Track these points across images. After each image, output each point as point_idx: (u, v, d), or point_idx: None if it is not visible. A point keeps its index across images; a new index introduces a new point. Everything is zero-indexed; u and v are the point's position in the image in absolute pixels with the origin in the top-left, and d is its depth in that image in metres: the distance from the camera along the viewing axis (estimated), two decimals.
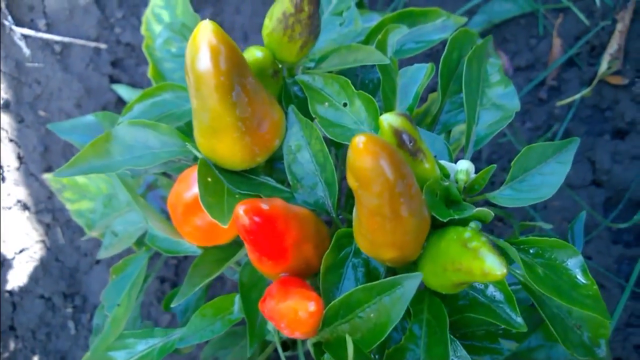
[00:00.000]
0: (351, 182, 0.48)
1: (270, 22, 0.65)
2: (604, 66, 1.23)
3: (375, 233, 0.52)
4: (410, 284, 0.52)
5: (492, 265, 0.48)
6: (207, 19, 0.54)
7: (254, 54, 0.66)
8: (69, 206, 0.99)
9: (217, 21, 1.41)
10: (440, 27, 0.80)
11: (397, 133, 0.54)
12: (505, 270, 0.47)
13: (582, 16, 1.28)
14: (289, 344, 0.81)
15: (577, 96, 1.24)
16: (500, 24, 1.36)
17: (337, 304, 0.55)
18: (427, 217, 0.55)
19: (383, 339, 0.53)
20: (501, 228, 1.22)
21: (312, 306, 0.53)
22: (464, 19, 0.82)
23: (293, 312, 0.54)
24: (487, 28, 1.35)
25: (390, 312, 0.53)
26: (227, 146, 0.62)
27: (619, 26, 1.25)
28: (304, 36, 0.65)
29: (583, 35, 1.28)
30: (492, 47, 0.80)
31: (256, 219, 0.57)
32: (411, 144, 0.55)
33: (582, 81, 1.26)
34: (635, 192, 1.10)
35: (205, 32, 0.54)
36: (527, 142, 1.25)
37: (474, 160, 1.25)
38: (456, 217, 0.55)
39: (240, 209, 0.56)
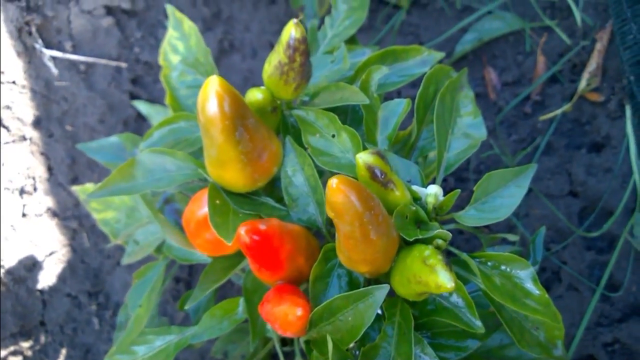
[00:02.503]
0: (329, 213, 0.60)
1: (269, 67, 0.77)
2: (583, 83, 1.33)
3: (351, 252, 0.64)
4: (379, 294, 0.64)
5: (443, 280, 0.59)
6: (215, 75, 0.66)
7: (255, 95, 0.77)
8: (95, 215, 1.11)
9: (228, 39, 1.53)
10: (420, 62, 0.91)
11: (370, 168, 0.66)
12: (453, 284, 0.59)
13: (564, 36, 1.38)
14: (287, 341, 0.93)
15: (559, 111, 1.33)
16: (490, 41, 1.45)
17: (321, 309, 0.67)
18: (395, 237, 0.66)
19: (358, 337, 0.65)
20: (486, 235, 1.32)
21: (299, 311, 0.65)
22: (442, 55, 0.92)
23: (284, 315, 0.66)
24: (478, 45, 1.44)
25: (364, 316, 0.64)
26: (232, 175, 0.74)
27: (598, 46, 1.34)
28: (297, 80, 0.76)
29: (565, 54, 1.38)
30: (465, 80, 0.90)
31: (255, 237, 0.68)
32: (382, 177, 0.66)
33: (563, 97, 1.36)
34: (607, 202, 1.20)
35: (213, 84, 0.66)
36: (512, 153, 1.35)
37: (462, 170, 1.37)
38: (420, 236, 0.66)
39: (241, 230, 0.68)
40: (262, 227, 0.69)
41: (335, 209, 0.58)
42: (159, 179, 0.81)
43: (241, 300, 0.83)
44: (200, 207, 0.79)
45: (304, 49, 0.72)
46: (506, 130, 1.38)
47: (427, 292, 0.63)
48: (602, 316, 1.15)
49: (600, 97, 1.31)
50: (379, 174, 0.66)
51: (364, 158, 0.66)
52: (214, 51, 1.49)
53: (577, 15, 1.36)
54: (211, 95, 0.66)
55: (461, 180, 1.33)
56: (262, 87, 0.79)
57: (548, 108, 1.36)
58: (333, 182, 0.56)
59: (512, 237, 0.89)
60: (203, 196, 0.80)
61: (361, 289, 0.65)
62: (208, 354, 1.26)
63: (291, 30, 0.71)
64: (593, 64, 1.33)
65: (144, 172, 0.81)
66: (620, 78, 1.29)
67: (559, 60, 1.38)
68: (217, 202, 0.75)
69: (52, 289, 1.30)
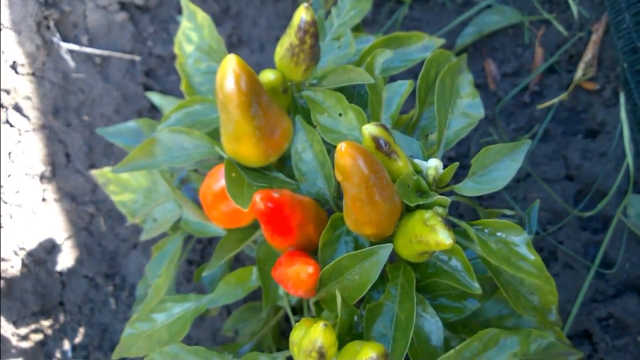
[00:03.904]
0: (338, 176, 0.65)
1: (281, 50, 0.82)
2: (579, 73, 1.38)
3: (357, 214, 0.69)
4: (383, 253, 0.69)
5: (442, 237, 0.65)
6: (233, 54, 0.72)
7: (268, 76, 0.83)
8: (113, 197, 1.16)
9: (237, 33, 1.59)
10: (422, 48, 0.97)
11: (375, 139, 0.71)
12: (451, 241, 0.64)
13: (561, 28, 1.43)
14: (297, 310, 0.98)
15: (556, 100, 1.39)
16: (489, 34, 1.50)
17: (330, 269, 0.72)
18: (398, 202, 0.71)
19: (364, 293, 0.70)
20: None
21: (310, 269, 0.71)
22: (442, 41, 0.98)
23: (296, 274, 0.72)
24: (478, 38, 1.50)
25: (370, 274, 0.70)
26: (247, 149, 0.79)
27: (594, 37, 1.40)
28: (307, 62, 0.82)
29: (562, 45, 1.43)
30: (465, 64, 0.96)
31: (269, 204, 0.74)
32: (386, 147, 0.71)
33: (560, 86, 1.41)
34: (602, 184, 1.25)
35: (230, 63, 0.72)
36: (511, 141, 1.40)
37: (461, 156, 1.42)
38: (421, 202, 0.72)
39: (257, 197, 0.74)
40: (276, 195, 0.74)
41: (344, 171, 0.64)
42: (177, 156, 0.86)
43: (254, 269, 0.88)
44: (216, 181, 0.85)
45: (314, 32, 0.78)
46: (505, 119, 1.43)
47: (428, 251, 0.69)
48: (597, 292, 1.19)
49: (595, 85, 1.36)
50: (383, 144, 0.71)
51: (369, 129, 0.71)
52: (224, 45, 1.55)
53: (574, 7, 1.42)
54: (229, 73, 0.72)
55: (462, 167, 1.39)
56: (274, 69, 0.85)
57: (546, 97, 1.41)
58: (342, 145, 0.62)
59: (508, 212, 0.95)
60: (219, 171, 0.86)
61: (367, 248, 0.70)
62: (220, 332, 1.32)
63: (302, 14, 0.76)
64: (589, 54, 1.39)
65: (163, 150, 0.87)
66: (615, 67, 1.34)
67: (556, 51, 1.44)
68: (233, 174, 0.81)
69: (71, 271, 1.36)
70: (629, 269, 1.19)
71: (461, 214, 1.37)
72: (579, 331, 1.18)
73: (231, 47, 1.58)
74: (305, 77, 0.85)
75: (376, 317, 0.72)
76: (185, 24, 1.14)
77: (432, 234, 0.65)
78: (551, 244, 1.25)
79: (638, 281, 1.19)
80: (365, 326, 0.72)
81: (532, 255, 0.79)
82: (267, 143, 0.80)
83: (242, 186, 0.80)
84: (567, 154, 1.31)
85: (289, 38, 0.80)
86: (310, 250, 0.82)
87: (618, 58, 1.30)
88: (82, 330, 1.35)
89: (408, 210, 0.76)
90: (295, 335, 0.65)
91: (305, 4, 0.76)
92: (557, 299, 0.86)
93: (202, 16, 1.12)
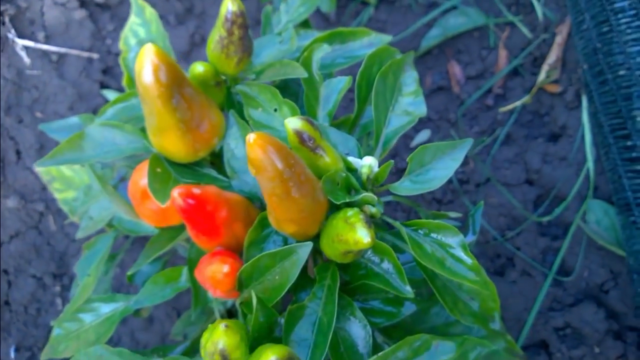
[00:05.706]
0: (250, 169, 0.62)
1: (211, 42, 0.79)
2: (542, 75, 1.36)
3: (276, 210, 0.66)
4: (303, 251, 0.66)
5: (361, 236, 0.61)
6: (150, 43, 0.68)
7: (197, 68, 0.80)
8: (57, 195, 1.12)
9: (200, 32, 1.56)
10: (367, 44, 0.94)
11: (298, 133, 0.68)
12: (370, 240, 0.61)
13: (526, 30, 1.41)
14: (233, 313, 0.95)
15: (519, 103, 1.36)
16: (455, 36, 1.48)
17: (249, 268, 0.69)
18: (323, 201, 0.68)
19: (282, 294, 0.67)
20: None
21: (226, 268, 0.67)
22: (389, 37, 0.95)
23: (213, 274, 0.68)
24: (443, 40, 1.47)
25: (289, 274, 0.66)
26: (172, 143, 0.76)
27: (558, 39, 1.38)
28: (239, 54, 0.78)
29: (527, 47, 1.41)
30: (411, 61, 0.93)
31: (189, 201, 0.70)
32: (311, 142, 0.68)
33: (524, 89, 1.39)
34: (561, 189, 1.23)
35: (148, 53, 0.68)
36: (473, 145, 1.37)
37: None
38: (347, 200, 0.69)
39: (175, 192, 0.70)
40: (196, 191, 0.71)
41: (255, 164, 0.60)
42: (107, 151, 0.83)
43: (185, 269, 0.84)
44: (142, 177, 0.81)
45: (242, 22, 0.75)
46: (468, 122, 1.40)
47: (350, 250, 0.65)
48: (555, 301, 1.16)
49: (558, 88, 1.34)
50: (307, 138, 0.68)
51: (292, 123, 0.68)
52: (186, 44, 1.52)
53: (539, 9, 1.40)
54: (146, 64, 0.68)
55: None
56: (205, 62, 0.81)
57: (509, 100, 1.39)
58: (251, 137, 0.59)
59: (453, 214, 0.92)
60: (146, 166, 0.82)
61: (286, 247, 0.67)
62: (169, 336, 1.28)
63: (228, 4, 0.73)
64: (553, 56, 1.36)
65: (93, 144, 0.83)
66: (577, 69, 1.32)
67: (520, 54, 1.41)
68: (158, 170, 0.77)
69: (18, 270, 1.32)
70: (587, 276, 1.16)
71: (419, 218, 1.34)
72: (535, 341, 1.15)
73: (194, 46, 1.55)
74: (239, 70, 0.82)
75: (297, 320, 0.69)
76: (133, 19, 1.10)
77: (352, 232, 0.62)
78: (509, 250, 1.22)
79: (596, 290, 1.16)
80: (284, 330, 0.68)
81: (468, 259, 0.75)
82: (193, 137, 0.76)
83: (167, 182, 0.76)
84: (528, 157, 1.28)
85: (218, 31, 0.77)
86: (238, 251, 0.78)
87: (580, 59, 1.27)
88: (27, 330, 1.31)
89: (337, 208, 0.73)
90: (204, 338, 0.62)
91: None
92: (498, 305, 0.83)
93: (150, 12, 1.09)
